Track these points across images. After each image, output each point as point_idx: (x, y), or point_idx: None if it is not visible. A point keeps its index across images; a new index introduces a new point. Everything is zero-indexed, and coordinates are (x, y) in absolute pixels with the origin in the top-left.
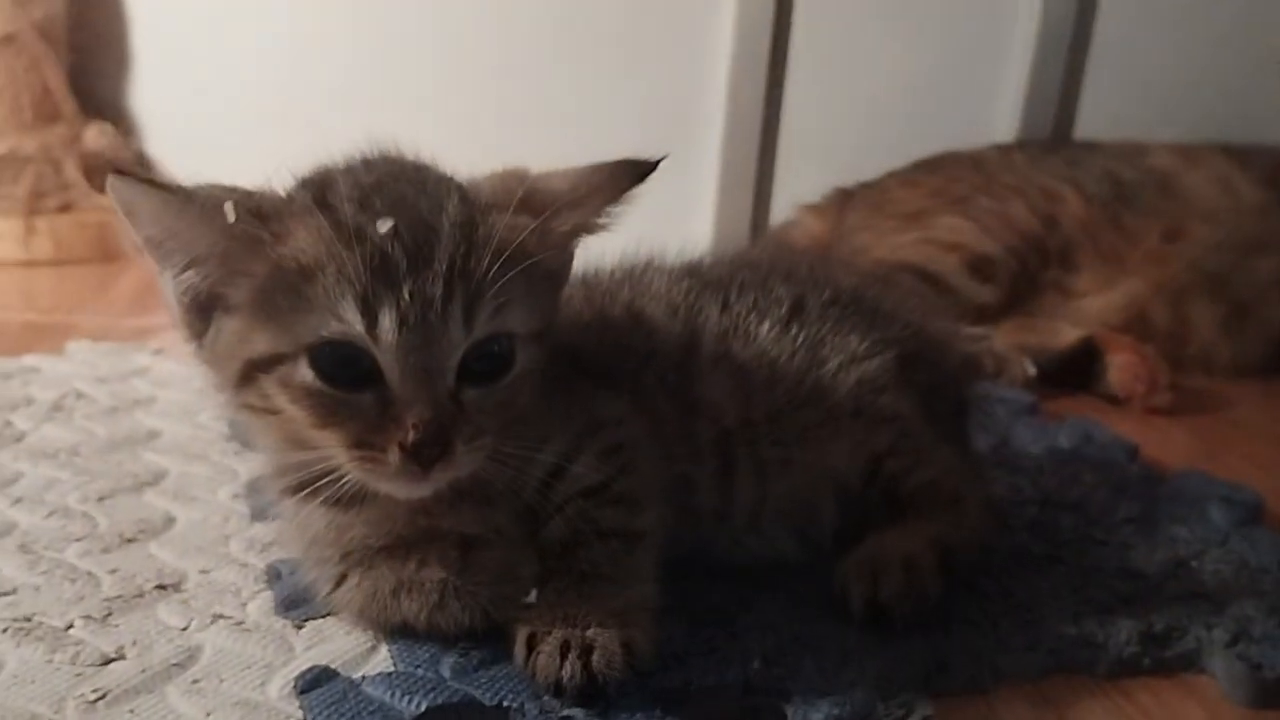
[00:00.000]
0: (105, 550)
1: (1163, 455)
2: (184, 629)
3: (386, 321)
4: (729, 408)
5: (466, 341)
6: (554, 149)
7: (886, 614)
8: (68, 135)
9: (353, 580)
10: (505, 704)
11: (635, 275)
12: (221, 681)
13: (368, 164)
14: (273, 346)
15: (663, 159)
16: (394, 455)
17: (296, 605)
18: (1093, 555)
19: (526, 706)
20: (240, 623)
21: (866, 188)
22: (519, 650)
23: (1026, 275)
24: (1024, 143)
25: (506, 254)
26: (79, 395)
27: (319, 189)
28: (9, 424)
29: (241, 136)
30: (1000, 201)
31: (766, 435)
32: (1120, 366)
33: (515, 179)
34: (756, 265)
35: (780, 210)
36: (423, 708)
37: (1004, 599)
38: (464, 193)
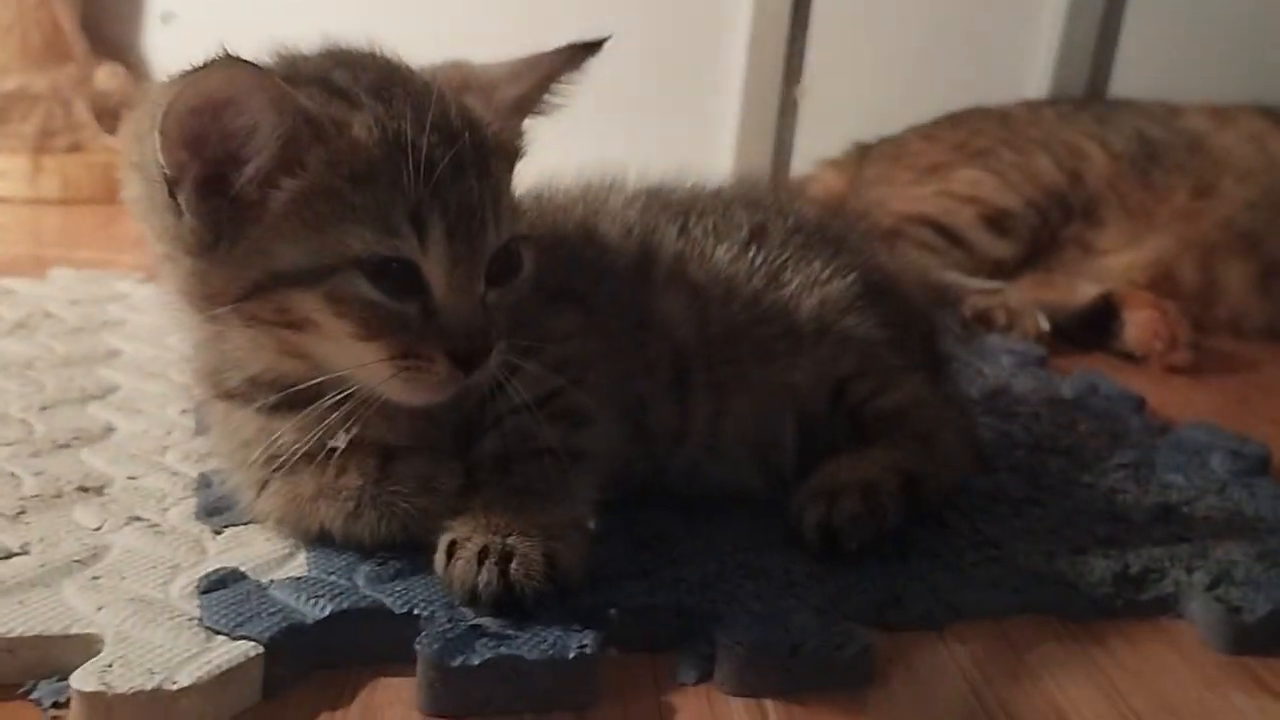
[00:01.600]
0: (35, 454)
1: (1179, 415)
2: (96, 529)
3: (436, 233)
4: (683, 324)
5: (497, 246)
6: (581, 100)
7: (839, 538)
8: (78, 75)
9: (274, 486)
10: (416, 612)
11: (590, 194)
12: (122, 579)
13: (357, 60)
14: (313, 258)
15: (606, 39)
16: (442, 364)
17: (218, 512)
18: (1076, 498)
19: (437, 615)
20: (156, 526)
21: (886, 142)
22: (439, 558)
23: (1047, 230)
24: (1055, 99)
25: (507, 153)
26: (47, 315)
27: (325, 79)
28: None
29: None
30: (1023, 155)
31: (722, 353)
32: (1138, 323)
33: (457, 69)
34: (719, 194)
35: (801, 168)
36: (327, 612)
37: (972, 535)
38: (445, 90)
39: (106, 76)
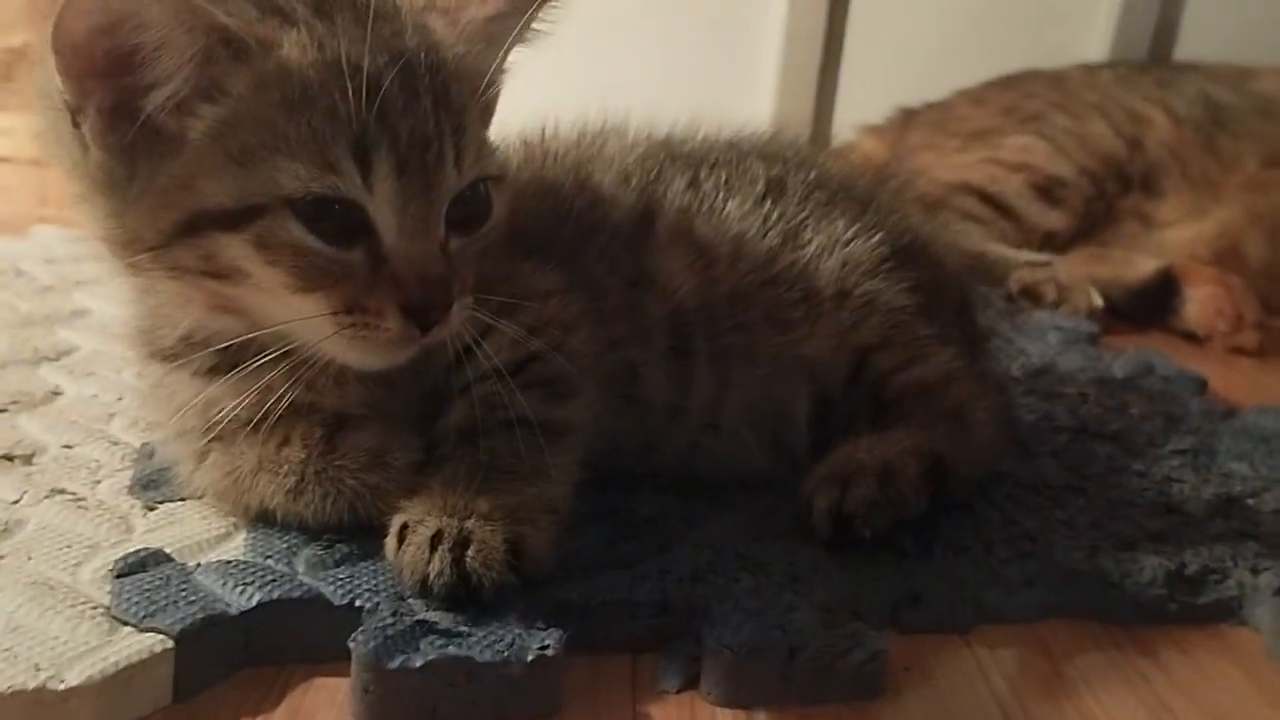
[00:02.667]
0: None
1: (1245, 400)
2: (15, 502)
3: (384, 168)
4: (684, 285)
5: (459, 186)
6: (609, 57)
7: (852, 526)
8: None
9: (212, 458)
10: (358, 604)
11: (587, 139)
12: (29, 559)
13: None
14: (239, 197)
15: None
16: (393, 319)
17: (155, 486)
18: (1125, 487)
19: (381, 608)
20: (81, 500)
21: (932, 107)
22: (389, 542)
23: (1103, 200)
24: (1115, 63)
25: (475, 82)
26: (19, 273)
27: None
28: None
29: None
30: (1079, 120)
31: (728, 317)
32: (1201, 300)
33: None
34: (736, 145)
35: (843, 135)
36: (255, 601)
37: (1006, 527)
38: (404, 8)
39: None
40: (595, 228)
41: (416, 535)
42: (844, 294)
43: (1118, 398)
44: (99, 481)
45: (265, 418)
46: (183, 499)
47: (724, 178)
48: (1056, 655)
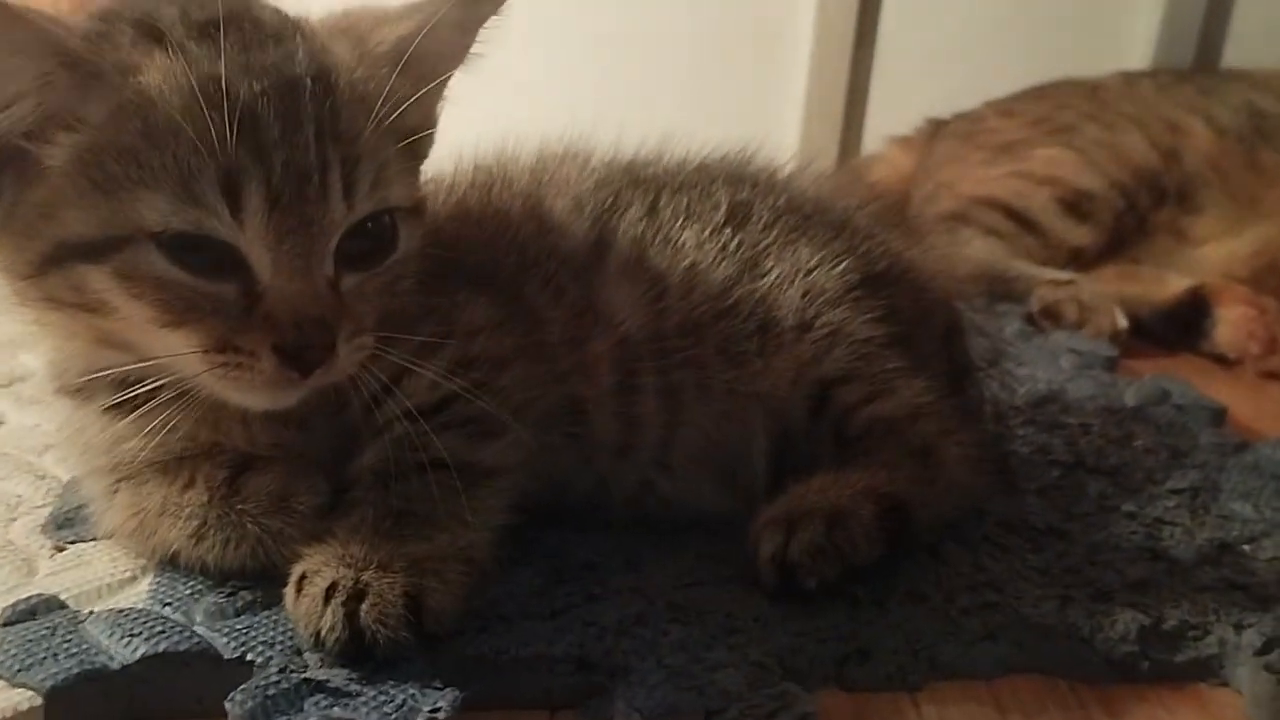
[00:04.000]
0: None
1: (1272, 430)
2: None
3: (255, 202)
4: (631, 316)
5: (349, 219)
6: (636, 70)
7: (796, 576)
8: None
9: (121, 498)
10: (249, 658)
11: (543, 164)
12: None
13: None
14: (100, 228)
15: None
16: (267, 360)
17: (70, 524)
18: (1111, 530)
19: (272, 663)
20: None
21: (961, 118)
22: (289, 592)
23: (1134, 215)
24: (1156, 70)
25: (378, 108)
26: None
27: (145, 18)
28: None
29: None
30: (1112, 132)
31: (679, 350)
32: (1232, 321)
33: (350, 12)
34: (704, 169)
35: (873, 146)
36: (139, 654)
37: (971, 574)
38: (307, 32)
39: None
40: (541, 257)
41: (312, 586)
42: (805, 325)
43: (1124, 428)
44: (14, 519)
45: (170, 457)
46: (95, 539)
47: (685, 203)
48: (1013, 715)
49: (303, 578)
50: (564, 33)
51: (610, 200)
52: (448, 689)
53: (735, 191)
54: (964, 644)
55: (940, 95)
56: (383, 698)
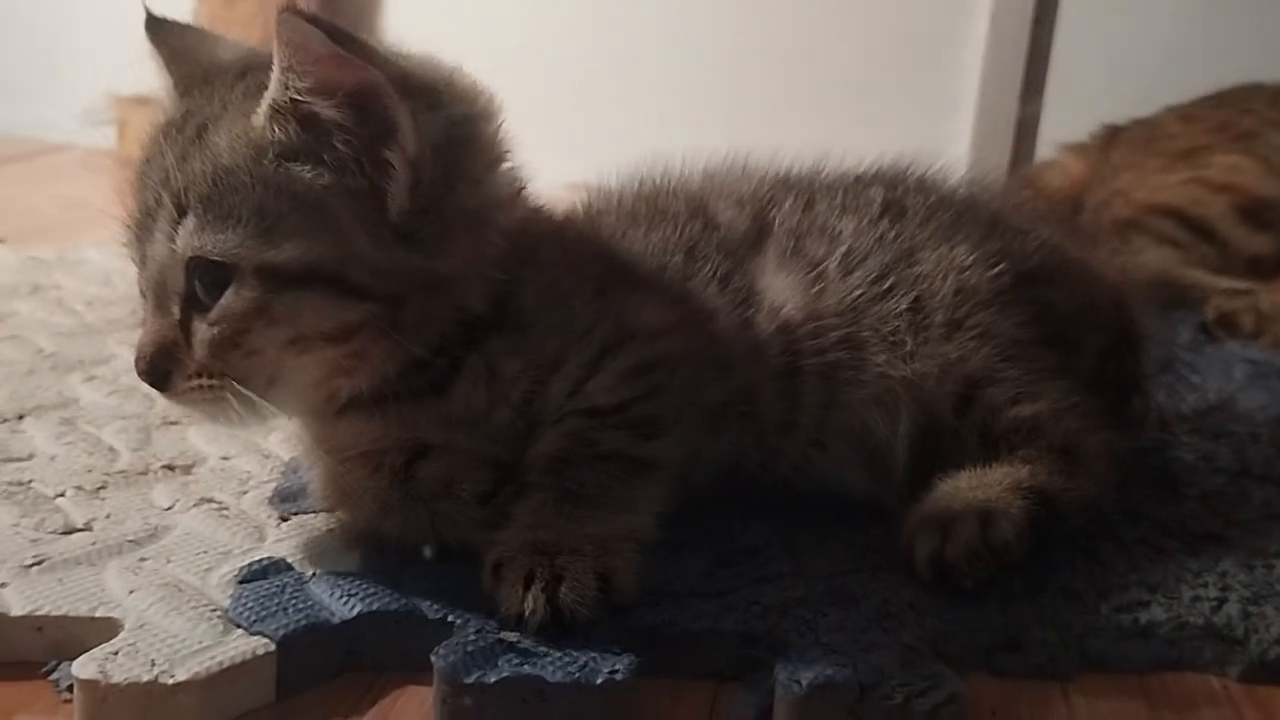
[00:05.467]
0: (143, 429)
1: None
2: (167, 508)
3: (127, 237)
4: (792, 299)
5: (176, 260)
6: (806, 68)
7: (953, 574)
8: None
9: (328, 476)
10: (450, 619)
11: (707, 172)
12: (168, 563)
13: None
14: None
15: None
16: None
17: (292, 499)
18: (1274, 537)
19: (470, 623)
20: (224, 509)
21: (1138, 124)
22: (485, 577)
23: None
24: None
25: (227, 154)
26: None
27: None
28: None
29: (490, 69)
30: None
31: (836, 330)
32: None
33: None
34: (859, 175)
35: (1046, 154)
36: (355, 611)
37: (1126, 573)
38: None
39: None
40: (707, 251)
41: (510, 573)
42: (956, 324)
43: None
44: (245, 492)
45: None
46: (315, 513)
47: (840, 198)
48: (1163, 709)
49: (498, 565)
50: (732, 45)
51: (769, 197)
52: (625, 654)
53: (890, 190)
54: (1115, 639)
55: (1118, 106)
56: (567, 659)
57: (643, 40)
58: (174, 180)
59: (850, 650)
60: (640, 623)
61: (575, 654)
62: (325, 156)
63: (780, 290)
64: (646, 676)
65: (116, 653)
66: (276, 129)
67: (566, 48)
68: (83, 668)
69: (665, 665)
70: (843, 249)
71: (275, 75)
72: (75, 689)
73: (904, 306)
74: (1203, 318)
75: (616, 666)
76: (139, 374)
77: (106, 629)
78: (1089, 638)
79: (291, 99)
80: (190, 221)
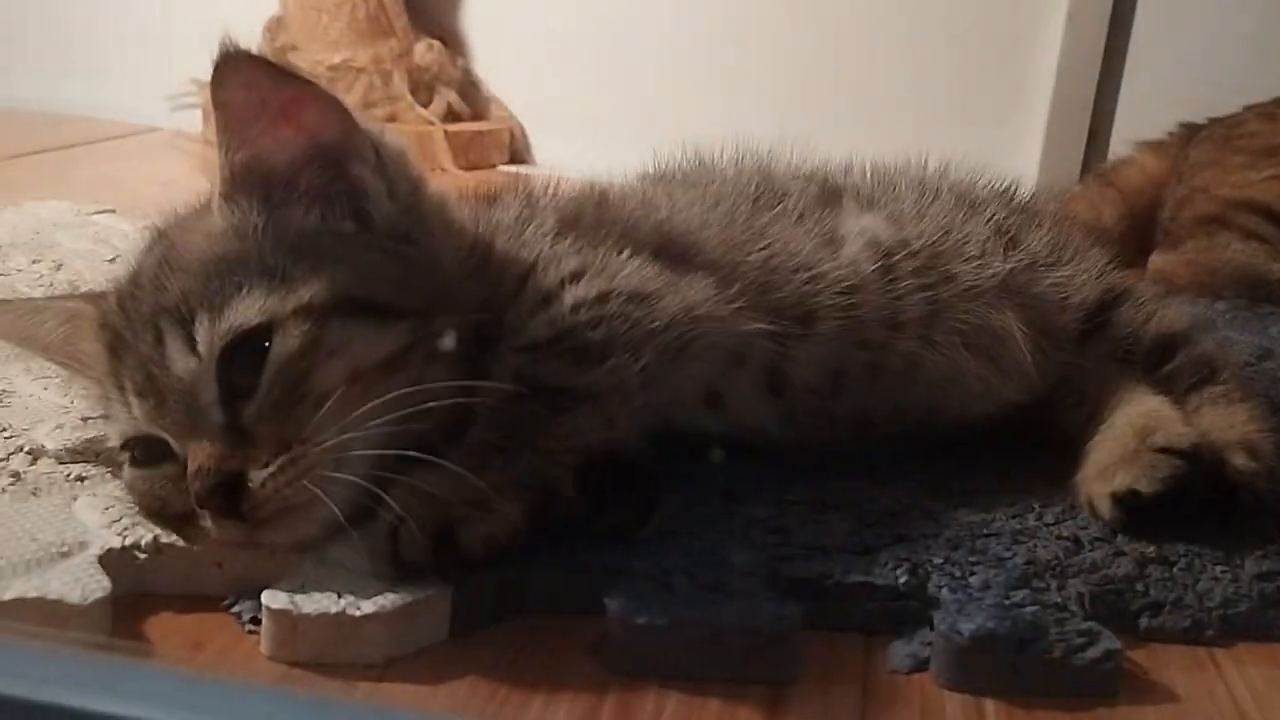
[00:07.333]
0: None
1: None
2: None
3: (133, 400)
4: (878, 227)
5: (207, 363)
6: (878, 65)
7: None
8: (398, 50)
9: None
10: (618, 564)
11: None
12: None
13: None
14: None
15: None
16: (206, 518)
17: None
18: None
19: (641, 568)
20: None
21: (1217, 122)
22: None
23: None
24: None
25: (204, 250)
26: None
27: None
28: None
29: (565, 61)
30: None
31: (926, 248)
32: None
33: None
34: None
35: (1122, 151)
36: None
37: (1261, 544)
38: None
39: (424, 51)
40: (777, 202)
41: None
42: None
43: None
44: None
45: None
46: None
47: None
48: None
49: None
50: (804, 40)
51: (826, 172)
52: (789, 603)
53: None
54: (1257, 607)
55: (1194, 104)
56: (735, 605)
57: (710, 36)
58: (164, 304)
59: (1004, 606)
60: (796, 573)
61: (741, 601)
62: (300, 198)
63: (865, 224)
64: (804, 627)
65: (303, 586)
66: (236, 207)
67: (626, 42)
68: (274, 598)
69: (820, 616)
70: (915, 194)
71: (220, 156)
72: (265, 619)
73: (989, 234)
74: None
75: (783, 613)
76: (205, 506)
77: (284, 565)
78: (1230, 605)
79: (243, 168)
80: (204, 319)
